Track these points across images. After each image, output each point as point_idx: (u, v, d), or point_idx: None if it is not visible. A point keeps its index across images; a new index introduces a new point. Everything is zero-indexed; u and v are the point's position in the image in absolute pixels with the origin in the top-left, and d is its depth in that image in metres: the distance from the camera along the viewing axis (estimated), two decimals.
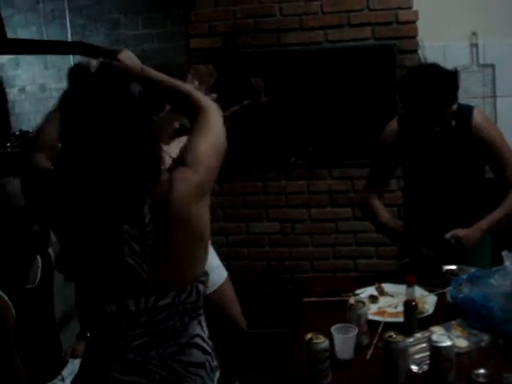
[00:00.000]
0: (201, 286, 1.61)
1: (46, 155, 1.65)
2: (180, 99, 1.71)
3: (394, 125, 2.86)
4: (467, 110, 2.72)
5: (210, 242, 1.68)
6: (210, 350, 1.71)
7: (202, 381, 1.67)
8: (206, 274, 1.65)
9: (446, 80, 2.53)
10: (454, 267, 2.61)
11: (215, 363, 1.75)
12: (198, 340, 1.67)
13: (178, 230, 1.52)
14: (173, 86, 1.70)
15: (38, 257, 2.48)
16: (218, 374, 1.76)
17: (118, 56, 1.69)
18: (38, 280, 2.45)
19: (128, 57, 1.70)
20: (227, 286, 3.32)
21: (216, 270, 3.20)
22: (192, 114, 1.67)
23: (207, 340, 1.71)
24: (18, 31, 6.55)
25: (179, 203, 1.50)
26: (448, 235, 2.59)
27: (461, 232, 2.60)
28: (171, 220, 1.50)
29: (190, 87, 1.75)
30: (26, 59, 6.84)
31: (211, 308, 3.30)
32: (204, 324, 1.71)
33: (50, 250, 2.56)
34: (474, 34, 4.14)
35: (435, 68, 2.57)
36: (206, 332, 1.72)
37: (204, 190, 1.58)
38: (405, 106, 2.67)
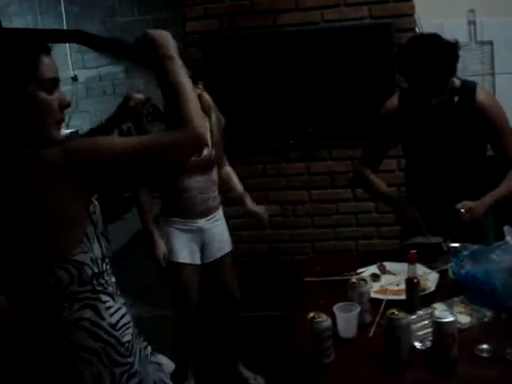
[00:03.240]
0: (61, 273, 1.53)
1: None
2: (176, 105, 1.64)
3: (394, 100, 2.85)
4: (471, 87, 2.71)
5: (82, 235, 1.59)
6: (108, 339, 1.62)
7: (91, 367, 1.59)
8: (71, 262, 1.55)
9: (445, 50, 2.52)
10: (456, 245, 2.60)
11: (125, 360, 1.66)
12: (85, 323, 1.59)
13: (24, 210, 1.49)
14: (179, 93, 1.64)
15: None
16: (123, 371, 1.65)
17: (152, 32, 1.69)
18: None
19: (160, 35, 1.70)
20: (228, 259, 3.56)
21: (219, 242, 3.47)
22: (176, 123, 1.64)
23: (106, 328, 1.63)
24: (14, 20, 6.53)
25: (36, 182, 1.48)
26: (459, 205, 2.58)
27: (470, 203, 2.59)
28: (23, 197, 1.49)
29: (194, 107, 1.65)
30: None
31: (212, 275, 3.52)
32: (104, 312, 1.63)
33: None
34: (472, 11, 4.11)
35: (435, 38, 2.56)
36: (108, 321, 1.63)
37: (77, 181, 1.51)
38: (403, 76, 2.65)
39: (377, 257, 2.67)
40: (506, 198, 2.71)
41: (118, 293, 1.74)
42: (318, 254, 4.36)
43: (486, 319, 2.04)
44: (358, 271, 2.53)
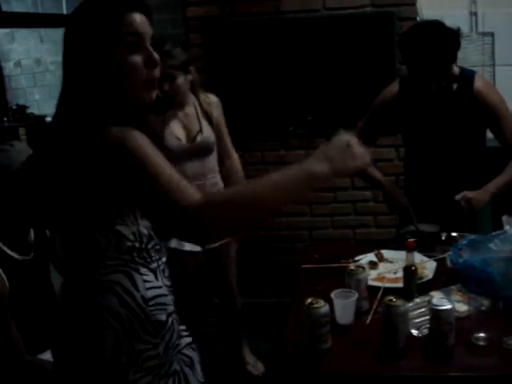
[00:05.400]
0: (100, 238, 1.57)
1: None
2: None
3: (394, 87, 2.85)
4: (469, 75, 2.71)
5: None
6: (136, 311, 1.61)
7: (114, 334, 1.59)
8: (112, 231, 1.58)
9: (447, 36, 2.51)
10: (454, 234, 2.61)
11: (148, 338, 1.63)
12: (118, 288, 1.60)
13: None
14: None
15: (31, 229, 2.45)
16: (143, 349, 1.62)
17: None
18: (32, 252, 2.43)
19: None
20: (233, 246, 3.51)
21: None
22: None
23: (138, 300, 1.61)
24: (13, 4, 6.49)
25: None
26: (458, 196, 2.58)
27: (470, 193, 2.59)
28: None
29: None
30: (21, 33, 6.79)
31: (211, 261, 3.46)
32: (140, 283, 1.62)
33: None
34: (473, 2, 4.10)
35: (438, 24, 2.55)
36: (142, 293, 1.62)
37: None
38: (405, 62, 2.64)
39: (374, 245, 2.67)
40: (509, 187, 2.71)
41: (166, 274, 1.72)
42: (316, 242, 4.37)
43: (483, 308, 2.04)
44: (356, 259, 2.53)
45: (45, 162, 1.61)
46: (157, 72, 1.58)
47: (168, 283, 1.73)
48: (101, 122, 1.47)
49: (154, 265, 1.67)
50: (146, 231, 1.63)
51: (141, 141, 1.46)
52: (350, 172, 1.59)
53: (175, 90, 3.10)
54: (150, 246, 1.65)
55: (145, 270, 1.64)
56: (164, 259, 1.73)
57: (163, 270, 1.72)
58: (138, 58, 1.53)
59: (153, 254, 1.67)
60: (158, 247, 1.68)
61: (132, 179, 1.45)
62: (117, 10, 1.51)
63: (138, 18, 1.54)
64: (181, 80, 3.10)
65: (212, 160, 3.31)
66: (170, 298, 1.72)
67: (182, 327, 1.81)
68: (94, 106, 1.52)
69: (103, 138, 1.44)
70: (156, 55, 1.57)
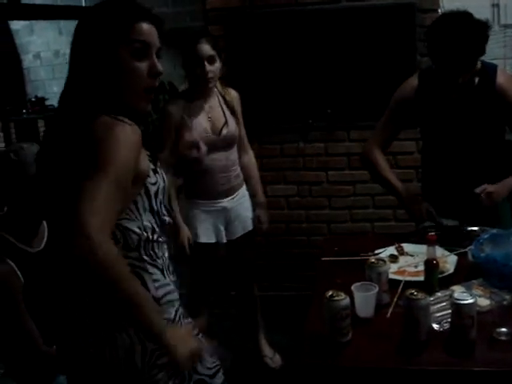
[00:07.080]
0: None
1: None
2: None
3: (413, 81, 2.81)
4: (491, 69, 2.68)
5: None
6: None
7: (125, 336, 1.63)
8: (116, 226, 1.58)
9: (477, 28, 2.47)
10: (475, 228, 2.59)
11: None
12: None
13: None
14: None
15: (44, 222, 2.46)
16: (155, 348, 1.64)
17: None
18: (43, 243, 2.43)
19: None
20: (250, 237, 3.53)
21: (243, 220, 3.43)
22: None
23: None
24: None
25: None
26: (478, 190, 2.56)
27: (491, 187, 2.56)
28: None
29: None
30: (40, 25, 6.80)
31: (232, 252, 3.49)
32: (150, 283, 1.66)
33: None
34: None
35: (466, 15, 2.51)
36: (152, 293, 1.65)
37: None
38: (431, 55, 2.60)
39: (394, 238, 2.65)
40: None
41: (171, 269, 1.75)
42: (335, 235, 4.36)
43: (505, 302, 2.01)
44: (376, 252, 2.51)
45: (48, 155, 1.66)
46: (157, 82, 1.64)
47: (174, 278, 1.76)
48: (94, 114, 1.51)
49: (160, 261, 1.70)
50: (149, 224, 1.65)
51: (122, 135, 1.49)
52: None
53: (215, 72, 3.14)
54: (154, 237, 1.67)
55: (153, 268, 1.67)
56: (167, 254, 1.75)
57: (168, 266, 1.75)
58: (142, 65, 1.59)
59: (157, 251, 1.69)
60: (160, 240, 1.71)
61: (82, 155, 1.48)
62: (129, 17, 1.58)
63: (148, 28, 1.60)
64: (218, 65, 3.16)
65: (234, 152, 3.35)
66: (176, 294, 1.76)
67: (188, 320, 1.83)
68: (92, 100, 1.56)
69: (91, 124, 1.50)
70: (159, 66, 1.63)
